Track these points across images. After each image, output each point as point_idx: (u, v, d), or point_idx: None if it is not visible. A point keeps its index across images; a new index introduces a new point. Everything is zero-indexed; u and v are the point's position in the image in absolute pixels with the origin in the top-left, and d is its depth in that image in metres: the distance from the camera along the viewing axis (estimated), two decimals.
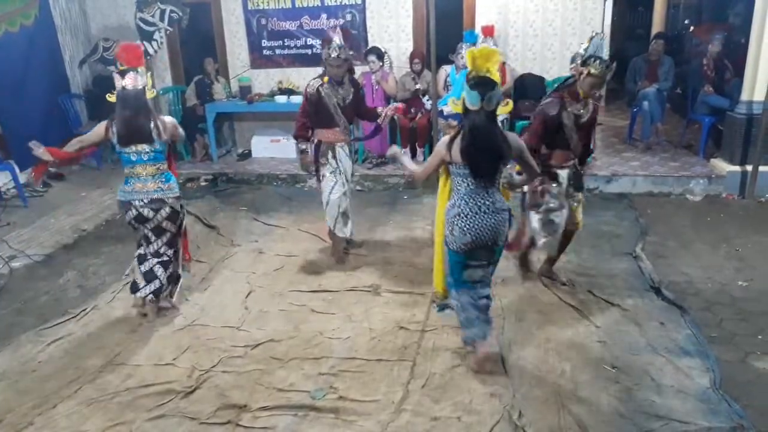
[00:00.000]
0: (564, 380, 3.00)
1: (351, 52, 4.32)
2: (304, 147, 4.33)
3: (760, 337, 3.35)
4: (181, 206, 3.73)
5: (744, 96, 5.74)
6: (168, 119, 3.60)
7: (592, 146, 3.95)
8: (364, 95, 4.66)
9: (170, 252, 3.74)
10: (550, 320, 3.58)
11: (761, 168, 5.53)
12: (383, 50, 6.68)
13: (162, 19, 6.17)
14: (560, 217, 3.65)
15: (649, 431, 2.63)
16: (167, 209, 3.60)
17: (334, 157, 4.30)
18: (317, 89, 4.17)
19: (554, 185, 3.58)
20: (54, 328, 3.71)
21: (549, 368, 3.11)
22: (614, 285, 3.98)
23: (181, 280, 3.94)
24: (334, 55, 4.06)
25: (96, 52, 7.07)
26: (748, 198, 5.60)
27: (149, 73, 3.61)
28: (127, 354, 3.40)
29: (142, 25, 6.19)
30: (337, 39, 4.07)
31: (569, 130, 3.47)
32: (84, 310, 3.93)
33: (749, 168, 5.61)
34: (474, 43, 6.37)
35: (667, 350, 3.20)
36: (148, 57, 6.44)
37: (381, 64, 6.57)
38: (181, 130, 3.70)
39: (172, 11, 6.16)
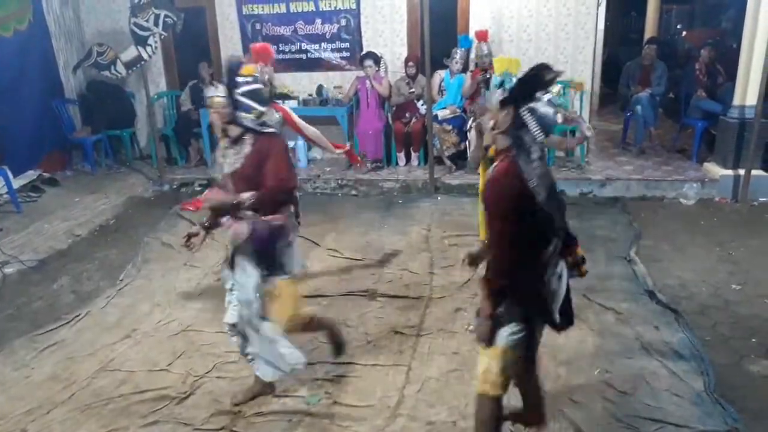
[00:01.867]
0: (559, 384, 3.00)
1: (256, 104, 2.77)
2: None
3: (753, 340, 3.37)
4: None
5: (736, 100, 5.78)
6: None
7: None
8: (269, 165, 2.70)
9: None
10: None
11: (754, 172, 5.57)
12: (379, 55, 6.70)
13: (156, 24, 6.15)
14: None
15: None
16: None
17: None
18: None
19: None
20: (47, 334, 3.70)
21: (544, 372, 3.10)
22: (608, 289, 3.98)
23: None
24: (209, 94, 2.76)
25: (90, 57, 7.03)
26: (740, 201, 5.63)
27: (256, 76, 3.86)
28: (121, 360, 3.38)
29: (136, 30, 6.16)
30: (263, 73, 2.64)
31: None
32: (77, 315, 3.91)
33: (742, 172, 5.64)
34: (468, 48, 6.41)
35: (661, 354, 3.21)
36: (143, 62, 6.43)
37: (377, 68, 6.58)
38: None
39: (166, 16, 6.13)
